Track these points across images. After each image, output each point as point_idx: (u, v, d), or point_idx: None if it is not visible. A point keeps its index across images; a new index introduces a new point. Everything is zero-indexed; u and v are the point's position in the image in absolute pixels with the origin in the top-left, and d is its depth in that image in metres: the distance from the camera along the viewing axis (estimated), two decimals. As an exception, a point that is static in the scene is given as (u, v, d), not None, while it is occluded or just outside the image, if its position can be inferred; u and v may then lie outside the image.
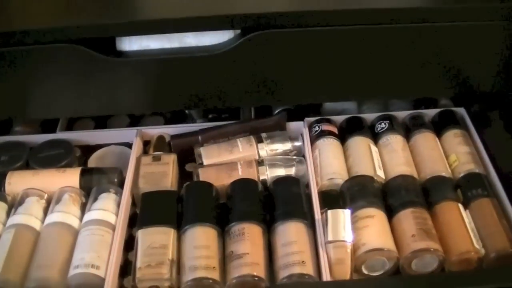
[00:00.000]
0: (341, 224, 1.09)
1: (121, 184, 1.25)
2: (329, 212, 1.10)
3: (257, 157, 1.29)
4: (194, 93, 1.29)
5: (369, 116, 1.39)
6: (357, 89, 1.32)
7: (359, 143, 1.32)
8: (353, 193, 1.20)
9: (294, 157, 1.30)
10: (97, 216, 1.17)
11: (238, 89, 1.28)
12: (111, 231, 1.16)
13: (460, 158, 1.28)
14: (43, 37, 1.18)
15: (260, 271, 1.07)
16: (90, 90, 1.28)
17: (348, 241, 1.08)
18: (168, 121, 1.48)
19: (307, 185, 1.24)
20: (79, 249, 1.12)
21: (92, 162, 1.36)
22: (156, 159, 1.28)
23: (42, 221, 1.18)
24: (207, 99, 1.30)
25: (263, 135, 1.32)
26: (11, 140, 1.38)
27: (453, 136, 1.32)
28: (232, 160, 1.28)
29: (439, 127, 1.36)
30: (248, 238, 1.11)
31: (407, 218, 1.15)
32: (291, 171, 1.26)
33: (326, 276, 1.07)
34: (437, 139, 1.33)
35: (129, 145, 1.36)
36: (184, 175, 1.31)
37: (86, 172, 1.27)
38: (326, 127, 1.35)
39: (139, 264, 1.09)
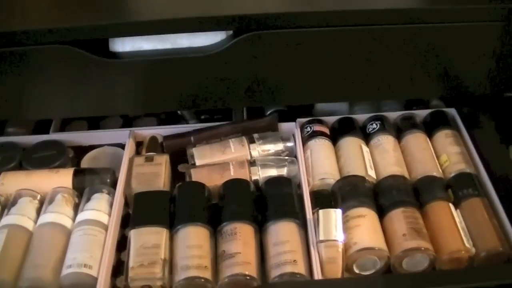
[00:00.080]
0: (332, 223, 1.09)
1: (113, 185, 1.26)
2: (321, 211, 1.10)
3: (249, 158, 1.30)
4: (186, 94, 1.29)
5: (360, 117, 1.40)
6: (349, 90, 1.32)
7: (350, 143, 1.32)
8: (345, 193, 1.21)
9: (286, 157, 1.30)
10: (90, 216, 1.17)
11: (230, 90, 1.29)
12: (103, 231, 1.16)
13: (451, 158, 1.28)
14: (37, 38, 1.18)
15: (252, 270, 1.08)
16: (83, 91, 1.28)
17: (339, 240, 1.08)
18: (161, 122, 1.48)
19: (299, 185, 1.25)
20: (71, 249, 1.13)
21: (85, 163, 1.37)
22: (149, 159, 1.28)
23: (35, 222, 1.18)
24: (200, 100, 1.30)
25: (255, 135, 1.32)
26: (4, 141, 1.38)
27: (444, 137, 1.33)
28: (224, 160, 1.28)
29: (430, 127, 1.37)
30: (240, 238, 1.11)
31: (398, 217, 1.15)
32: (283, 172, 1.27)
33: (317, 275, 1.07)
34: (428, 139, 1.34)
35: (122, 146, 1.36)
36: (177, 176, 1.32)
37: (79, 173, 1.27)
38: (317, 127, 1.35)
39: (131, 263, 1.09)
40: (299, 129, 1.36)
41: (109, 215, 1.19)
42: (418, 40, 1.23)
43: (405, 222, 1.14)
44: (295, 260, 1.08)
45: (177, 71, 1.25)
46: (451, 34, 1.23)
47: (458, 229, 1.14)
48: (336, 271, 1.10)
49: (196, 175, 1.25)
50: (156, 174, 1.26)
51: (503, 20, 1.21)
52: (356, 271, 1.13)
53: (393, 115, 1.40)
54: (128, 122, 1.49)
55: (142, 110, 1.45)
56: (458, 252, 1.11)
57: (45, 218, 1.17)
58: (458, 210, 1.18)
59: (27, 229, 1.17)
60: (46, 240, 1.15)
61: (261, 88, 1.28)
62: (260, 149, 1.30)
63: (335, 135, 1.36)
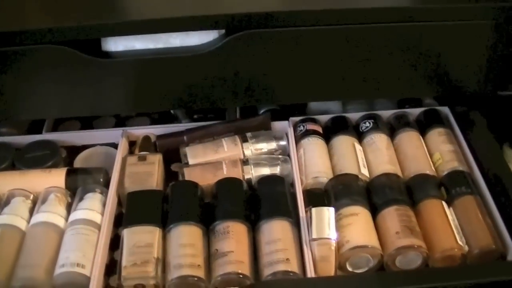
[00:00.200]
0: (325, 221, 1.09)
1: (106, 184, 1.25)
2: (314, 210, 1.10)
3: (242, 157, 1.29)
4: (179, 93, 1.29)
5: (353, 116, 1.40)
6: (342, 89, 1.32)
7: (343, 142, 1.32)
8: (338, 191, 1.21)
9: (279, 156, 1.30)
10: (82, 216, 1.17)
11: (223, 89, 1.29)
12: (96, 231, 1.16)
13: (444, 156, 1.28)
14: (29, 39, 1.18)
15: (244, 268, 1.08)
16: (76, 91, 1.28)
17: (332, 238, 1.08)
18: (154, 122, 1.48)
19: (292, 184, 1.25)
20: (64, 248, 1.12)
21: (78, 162, 1.36)
22: (142, 159, 1.28)
23: (28, 221, 1.18)
24: (193, 100, 1.30)
25: (248, 134, 1.32)
26: (-3, 141, 1.38)
27: (437, 135, 1.33)
28: (217, 159, 1.28)
29: (423, 126, 1.37)
30: (233, 236, 1.11)
31: (391, 215, 1.15)
32: (276, 170, 1.27)
33: (310, 273, 1.07)
34: (421, 138, 1.34)
35: (115, 146, 1.36)
36: (170, 175, 1.32)
37: (71, 172, 1.27)
38: (311, 126, 1.35)
39: (124, 262, 1.09)
40: (292, 128, 1.36)
41: (102, 214, 1.19)
42: (411, 39, 1.24)
43: (398, 220, 1.14)
44: (288, 259, 1.08)
45: (170, 71, 1.25)
46: (443, 32, 1.23)
47: (451, 227, 1.14)
48: (329, 270, 1.10)
49: (189, 174, 1.25)
50: (149, 174, 1.26)
51: (494, 18, 1.21)
52: (349, 269, 1.13)
53: (386, 113, 1.40)
54: (121, 121, 1.49)
55: (135, 110, 1.45)
56: (451, 250, 1.11)
57: (38, 217, 1.17)
58: (451, 208, 1.18)
59: (20, 229, 1.16)
60: (39, 240, 1.15)
61: (254, 87, 1.29)
62: (253, 148, 1.30)
63: (328, 133, 1.36)
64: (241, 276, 1.07)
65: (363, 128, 1.36)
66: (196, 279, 1.07)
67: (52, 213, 1.18)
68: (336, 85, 1.31)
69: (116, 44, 1.23)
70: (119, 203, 1.25)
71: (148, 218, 1.15)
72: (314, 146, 1.31)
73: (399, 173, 1.26)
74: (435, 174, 1.26)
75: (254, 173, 1.26)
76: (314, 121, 1.37)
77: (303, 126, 1.35)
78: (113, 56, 1.24)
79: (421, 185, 1.22)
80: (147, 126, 1.45)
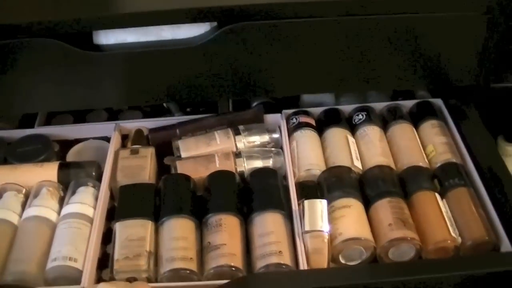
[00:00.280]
0: (318, 214, 1.09)
1: (99, 178, 1.25)
2: (306, 202, 1.10)
3: (234, 149, 1.29)
4: (171, 86, 1.29)
5: (346, 108, 1.40)
6: (335, 81, 1.32)
7: (336, 134, 1.32)
8: (330, 183, 1.20)
9: (272, 149, 1.30)
10: (75, 210, 1.16)
11: (215, 82, 1.28)
12: (89, 224, 1.15)
13: (437, 148, 1.28)
14: (20, 32, 1.18)
15: (237, 261, 1.08)
16: (67, 84, 1.28)
17: (325, 231, 1.08)
18: (147, 115, 1.48)
19: (285, 177, 1.25)
20: (56, 242, 1.12)
21: (71, 156, 1.36)
22: (134, 152, 1.28)
23: (20, 216, 1.18)
24: (185, 93, 1.30)
25: (241, 127, 1.32)
26: (-12, 136, 1.37)
27: (430, 127, 1.33)
28: (210, 152, 1.28)
29: (416, 118, 1.37)
30: (225, 229, 1.11)
31: (384, 207, 1.15)
32: (269, 163, 1.26)
33: (303, 266, 1.07)
34: (414, 130, 1.34)
35: (107, 139, 1.36)
36: (162, 168, 1.31)
37: (64, 166, 1.27)
38: (303, 119, 1.35)
39: (116, 256, 1.09)
40: (285, 121, 1.36)
41: (95, 208, 1.18)
42: (404, 31, 1.24)
43: (391, 212, 1.14)
44: (280, 251, 1.08)
45: (162, 64, 1.25)
46: (436, 24, 1.23)
47: (444, 219, 1.14)
48: (322, 262, 1.10)
49: (181, 168, 1.25)
50: (141, 167, 1.25)
51: (487, 10, 1.21)
52: (342, 261, 1.12)
53: (379, 106, 1.40)
54: (113, 115, 1.49)
55: (127, 103, 1.45)
56: (444, 242, 1.11)
57: (30, 211, 1.17)
58: (444, 200, 1.18)
59: (12, 223, 1.16)
60: (31, 234, 1.15)
61: (246, 80, 1.28)
62: (245, 141, 1.30)
63: (321, 126, 1.35)
64: (233, 268, 1.07)
65: (356, 121, 1.35)
66: (188, 272, 1.07)
67: (44, 207, 1.17)
68: (329, 77, 1.31)
69: (107, 37, 1.23)
70: (112, 197, 1.25)
71: (141, 211, 1.15)
72: (307, 139, 1.31)
73: (392, 165, 1.26)
74: (428, 166, 1.26)
75: (247, 165, 1.25)
76: (307, 113, 1.37)
77: (296, 119, 1.35)
78: (105, 50, 1.24)
79: (414, 177, 1.22)
80: (140, 119, 1.44)
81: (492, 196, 1.17)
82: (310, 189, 1.22)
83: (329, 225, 1.09)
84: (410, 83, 1.36)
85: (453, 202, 1.18)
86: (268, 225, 1.12)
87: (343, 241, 1.11)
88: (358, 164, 1.26)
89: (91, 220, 1.16)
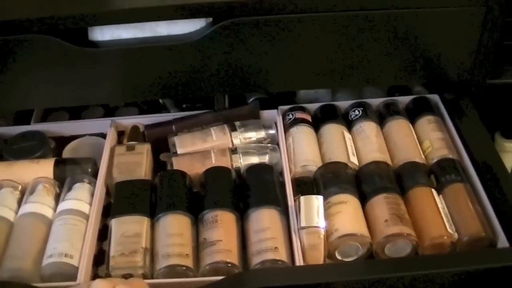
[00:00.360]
0: (314, 210, 1.09)
1: (95, 174, 1.25)
2: (302, 198, 1.10)
3: (230, 146, 1.29)
4: (167, 82, 1.29)
5: (342, 104, 1.40)
6: (331, 76, 1.32)
7: (332, 130, 1.32)
8: (327, 179, 1.20)
9: (268, 145, 1.30)
10: (70, 206, 1.16)
11: (211, 78, 1.28)
12: (85, 221, 1.15)
13: (434, 144, 1.28)
14: (15, 29, 1.18)
15: (233, 257, 1.07)
16: (63, 81, 1.27)
17: (321, 227, 1.08)
18: (143, 112, 1.48)
19: (281, 173, 1.24)
20: (52, 238, 1.12)
21: (67, 153, 1.36)
22: (130, 149, 1.28)
23: (16, 212, 1.18)
24: (181, 89, 1.30)
25: (237, 123, 1.32)
26: (-16, 132, 1.37)
27: (426, 123, 1.33)
28: (206, 148, 1.28)
29: (413, 113, 1.36)
30: (221, 225, 1.11)
31: (380, 203, 1.15)
32: (265, 159, 1.26)
33: (299, 262, 1.07)
34: (411, 125, 1.33)
35: (103, 136, 1.36)
36: (158, 165, 1.31)
37: (60, 163, 1.27)
38: (299, 115, 1.35)
39: (112, 252, 1.09)
40: (281, 117, 1.36)
41: (90, 204, 1.18)
42: (400, 25, 1.23)
43: (387, 208, 1.14)
44: (276, 247, 1.08)
45: (157, 59, 1.25)
46: (433, 19, 1.23)
47: (440, 215, 1.13)
48: (318, 258, 1.09)
49: (177, 164, 1.25)
50: (137, 163, 1.25)
51: (484, 4, 1.21)
52: (338, 257, 1.12)
53: (376, 101, 1.40)
54: (109, 112, 1.49)
55: (123, 99, 1.45)
56: (441, 238, 1.11)
57: (26, 208, 1.17)
58: (440, 196, 1.18)
59: (8, 220, 1.16)
60: (27, 230, 1.14)
61: (242, 76, 1.28)
62: (241, 137, 1.30)
63: (317, 122, 1.35)
64: (229, 265, 1.07)
65: (352, 116, 1.35)
66: (184, 268, 1.07)
67: (40, 204, 1.17)
68: (325, 72, 1.31)
69: (103, 34, 1.23)
70: (108, 193, 1.25)
71: (136, 208, 1.15)
72: (303, 135, 1.31)
73: (389, 161, 1.26)
74: (424, 162, 1.26)
75: (243, 161, 1.25)
76: (303, 109, 1.37)
77: (292, 115, 1.35)
78: (100, 46, 1.24)
79: (410, 173, 1.22)
80: (136, 116, 1.44)
81: (489, 192, 1.17)
82: (306, 185, 1.21)
83: (325, 221, 1.09)
84: (406, 78, 1.36)
85: (449, 198, 1.17)
86: (264, 221, 1.12)
87: (339, 237, 1.10)
88: (354, 160, 1.26)
89: (87, 217, 1.16)
